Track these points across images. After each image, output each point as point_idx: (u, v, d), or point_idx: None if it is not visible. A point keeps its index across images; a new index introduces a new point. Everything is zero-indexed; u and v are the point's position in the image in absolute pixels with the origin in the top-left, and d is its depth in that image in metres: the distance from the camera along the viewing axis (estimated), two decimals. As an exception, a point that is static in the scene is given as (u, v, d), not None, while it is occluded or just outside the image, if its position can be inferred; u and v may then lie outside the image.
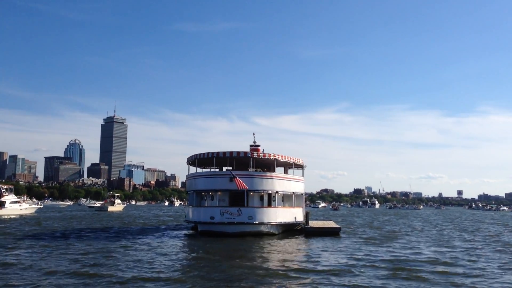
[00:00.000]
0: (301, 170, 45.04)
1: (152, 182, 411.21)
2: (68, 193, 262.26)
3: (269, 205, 37.29)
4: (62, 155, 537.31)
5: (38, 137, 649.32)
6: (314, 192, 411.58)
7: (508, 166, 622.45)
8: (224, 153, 36.75)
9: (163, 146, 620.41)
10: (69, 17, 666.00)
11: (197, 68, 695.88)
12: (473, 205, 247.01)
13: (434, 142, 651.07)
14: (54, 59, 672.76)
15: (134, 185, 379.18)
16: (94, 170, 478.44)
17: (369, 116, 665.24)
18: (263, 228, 35.68)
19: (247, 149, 39.64)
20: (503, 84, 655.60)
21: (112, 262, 21.32)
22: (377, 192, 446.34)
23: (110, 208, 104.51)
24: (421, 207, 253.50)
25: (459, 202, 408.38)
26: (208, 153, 37.58)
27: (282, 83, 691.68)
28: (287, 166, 43.08)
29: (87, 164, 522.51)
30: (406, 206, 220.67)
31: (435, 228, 52.23)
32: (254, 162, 38.79)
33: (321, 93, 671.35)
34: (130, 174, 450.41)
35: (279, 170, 45.06)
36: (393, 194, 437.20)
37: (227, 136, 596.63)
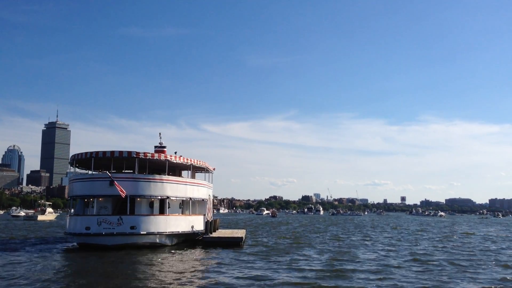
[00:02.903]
0: (205, 174, 41.41)
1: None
2: (2, 201, 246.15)
3: (162, 212, 33.10)
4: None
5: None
6: (263, 199, 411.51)
7: (448, 173, 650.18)
8: (104, 152, 32.17)
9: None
10: (8, 18, 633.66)
11: (145, 73, 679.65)
12: (413, 211, 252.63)
13: (380, 150, 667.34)
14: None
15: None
16: (34, 178, 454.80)
17: (317, 123, 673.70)
18: (151, 239, 31.38)
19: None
20: (443, 94, 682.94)
21: None
22: (325, 198, 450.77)
23: (40, 217, 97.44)
24: (366, 213, 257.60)
25: (402, 208, 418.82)
26: (86, 153, 32.92)
27: (231, 90, 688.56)
28: (190, 169, 38.91)
29: (26, 171, 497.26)
30: (349, 212, 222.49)
31: (349, 237, 49.84)
32: (147, 165, 34.63)
33: (269, 100, 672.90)
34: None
35: (186, 175, 41.19)
36: (340, 200, 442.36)
37: (177, 143, 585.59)
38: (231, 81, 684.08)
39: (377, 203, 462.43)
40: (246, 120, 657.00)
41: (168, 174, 34.81)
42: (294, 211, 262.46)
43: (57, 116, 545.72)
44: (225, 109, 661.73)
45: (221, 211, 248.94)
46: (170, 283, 18.69)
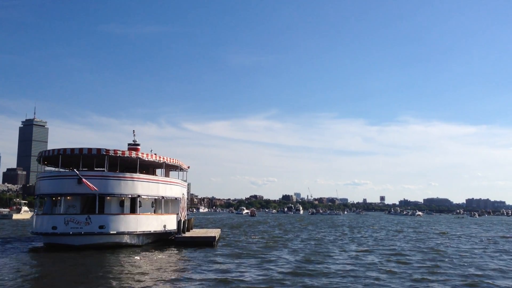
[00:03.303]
0: (179, 172, 40.70)
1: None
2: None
3: (133, 211, 32.21)
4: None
5: None
6: (244, 198, 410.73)
7: (426, 173, 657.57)
8: (73, 150, 31.15)
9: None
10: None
11: (124, 70, 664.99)
12: (392, 211, 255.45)
13: (359, 150, 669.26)
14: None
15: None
16: (10, 176, 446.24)
17: (298, 123, 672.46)
18: (120, 239, 30.49)
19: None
20: (421, 95, 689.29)
21: None
22: (306, 198, 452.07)
23: (15, 216, 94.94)
24: (346, 212, 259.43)
25: (382, 207, 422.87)
26: (54, 149, 31.94)
27: (212, 89, 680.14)
28: (162, 167, 38.05)
29: (2, 169, 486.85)
30: (328, 212, 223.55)
31: (325, 237, 49.59)
32: (119, 162, 33.70)
33: (251, 99, 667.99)
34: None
35: (160, 173, 40.35)
36: (320, 200, 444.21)
37: (157, 141, 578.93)
38: (212, 80, 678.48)
39: (356, 203, 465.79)
40: (227, 119, 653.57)
41: (141, 173, 33.93)
42: (274, 211, 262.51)
43: (34, 113, 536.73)
44: (206, 107, 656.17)
45: (201, 210, 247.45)
46: (130, 286, 17.95)
